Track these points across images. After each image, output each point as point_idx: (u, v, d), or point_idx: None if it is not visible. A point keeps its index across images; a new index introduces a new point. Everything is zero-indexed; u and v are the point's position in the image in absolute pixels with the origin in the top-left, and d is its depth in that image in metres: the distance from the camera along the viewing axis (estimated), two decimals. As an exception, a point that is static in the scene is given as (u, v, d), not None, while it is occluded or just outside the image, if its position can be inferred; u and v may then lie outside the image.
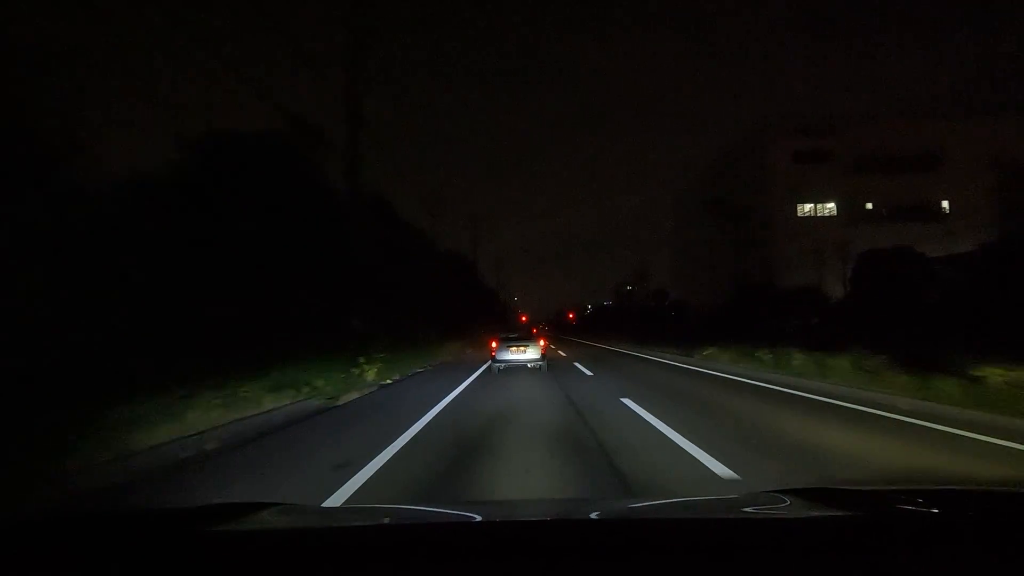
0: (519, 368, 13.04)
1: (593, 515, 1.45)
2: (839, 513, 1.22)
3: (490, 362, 13.09)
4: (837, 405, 7.22)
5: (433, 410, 7.26)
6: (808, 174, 39.09)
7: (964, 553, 0.89)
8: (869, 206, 39.30)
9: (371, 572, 0.89)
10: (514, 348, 12.73)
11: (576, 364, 15.54)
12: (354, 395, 9.10)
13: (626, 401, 7.67)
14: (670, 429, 5.54)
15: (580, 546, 0.95)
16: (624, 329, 41.31)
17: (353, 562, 0.91)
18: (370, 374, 10.57)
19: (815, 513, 1.27)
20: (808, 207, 40.06)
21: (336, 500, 3.52)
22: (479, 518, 1.35)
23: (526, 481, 3.81)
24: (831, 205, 40.15)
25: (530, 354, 12.69)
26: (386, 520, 1.50)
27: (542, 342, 13.29)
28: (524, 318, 72.26)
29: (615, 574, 0.86)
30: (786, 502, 1.37)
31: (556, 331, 72.32)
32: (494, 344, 13.02)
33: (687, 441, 4.96)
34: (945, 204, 39.15)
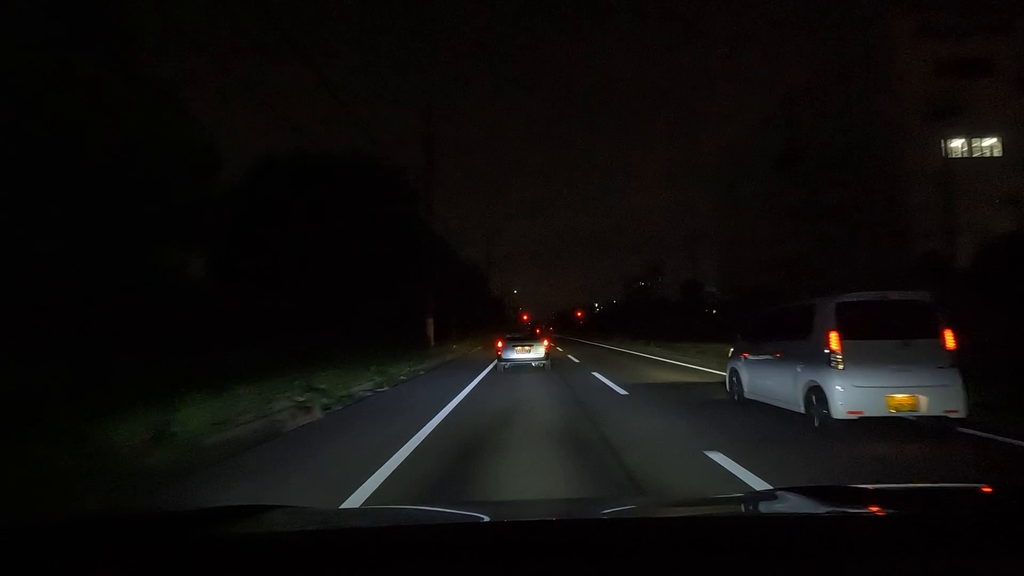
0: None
1: (598, 515, 1.48)
2: (841, 512, 1.22)
3: (496, 361, 13.43)
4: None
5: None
6: (959, 93, 24.80)
7: (965, 552, 0.88)
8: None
9: (377, 575, 0.89)
10: (519, 348, 13.01)
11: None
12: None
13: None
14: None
15: (586, 546, 0.94)
16: (640, 328, 32.95)
17: (358, 565, 0.90)
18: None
19: (817, 511, 1.27)
20: (959, 143, 25.74)
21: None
22: (487, 519, 1.38)
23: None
24: (991, 142, 25.77)
25: (534, 353, 12.94)
26: (391, 522, 1.50)
27: (546, 342, 13.70)
28: (526, 317, 65.26)
29: (620, 573, 0.86)
30: (789, 501, 1.38)
31: (562, 331, 63.13)
32: (500, 344, 13.30)
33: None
34: None
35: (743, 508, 1.51)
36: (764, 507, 1.45)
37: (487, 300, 49.12)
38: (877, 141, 26.88)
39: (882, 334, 5.08)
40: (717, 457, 4.34)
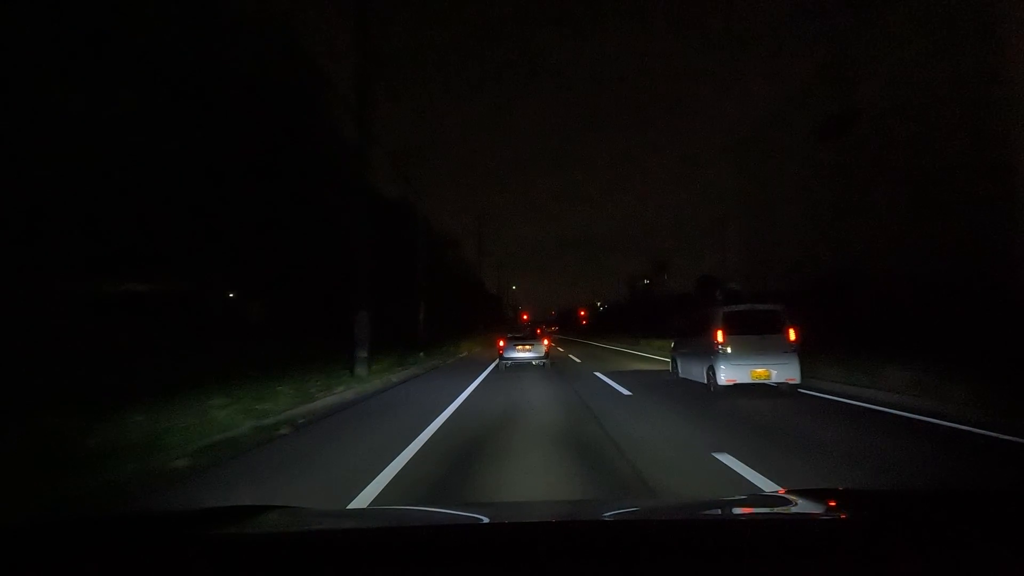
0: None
1: (598, 517, 1.51)
2: (845, 514, 1.29)
3: (498, 360, 14.38)
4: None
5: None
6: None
7: (967, 555, 0.90)
8: None
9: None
10: (520, 347, 13.89)
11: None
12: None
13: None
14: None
15: (587, 548, 0.95)
16: (644, 327, 33.41)
17: (358, 566, 0.91)
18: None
19: (821, 514, 1.31)
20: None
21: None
22: (486, 520, 1.43)
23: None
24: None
25: (535, 352, 13.84)
26: (391, 523, 1.53)
27: (546, 341, 14.71)
28: (526, 316, 66.41)
29: (620, 575, 0.88)
30: (792, 503, 1.40)
31: (564, 331, 64.69)
32: (502, 343, 14.25)
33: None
34: None
35: (746, 511, 1.54)
36: (767, 510, 1.49)
37: (480, 297, 43.45)
38: (961, 95, 18.48)
39: (750, 331, 8.10)
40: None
